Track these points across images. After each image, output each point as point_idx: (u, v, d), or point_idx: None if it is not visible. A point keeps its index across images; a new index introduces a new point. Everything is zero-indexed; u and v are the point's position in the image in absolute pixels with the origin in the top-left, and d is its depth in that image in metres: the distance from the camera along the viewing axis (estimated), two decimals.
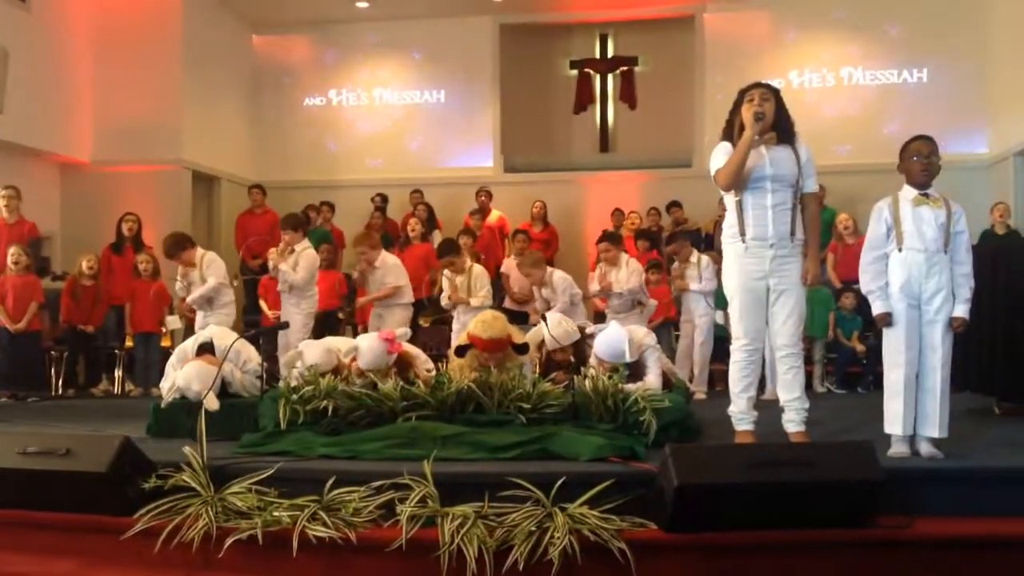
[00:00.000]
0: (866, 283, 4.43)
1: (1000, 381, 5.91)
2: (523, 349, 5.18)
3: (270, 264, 7.48)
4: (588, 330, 5.61)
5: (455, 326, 7.44)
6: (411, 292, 7.85)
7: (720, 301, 7.75)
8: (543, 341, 5.46)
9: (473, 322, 5.24)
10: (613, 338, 5.16)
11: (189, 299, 7.47)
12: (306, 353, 5.06)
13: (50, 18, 10.48)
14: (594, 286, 7.59)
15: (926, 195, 4.34)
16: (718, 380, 8.34)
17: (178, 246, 7.46)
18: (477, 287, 7.41)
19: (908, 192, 4.38)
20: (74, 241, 10.49)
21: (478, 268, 7.50)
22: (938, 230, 4.27)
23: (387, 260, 7.78)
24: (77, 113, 10.94)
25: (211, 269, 7.45)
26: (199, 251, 7.57)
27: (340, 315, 8.73)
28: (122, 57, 11.00)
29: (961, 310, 4.27)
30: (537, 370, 5.38)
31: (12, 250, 8.03)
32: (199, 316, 7.50)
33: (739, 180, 4.43)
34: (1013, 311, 5.76)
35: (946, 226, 4.29)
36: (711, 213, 10.49)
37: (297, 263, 7.33)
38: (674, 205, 10.92)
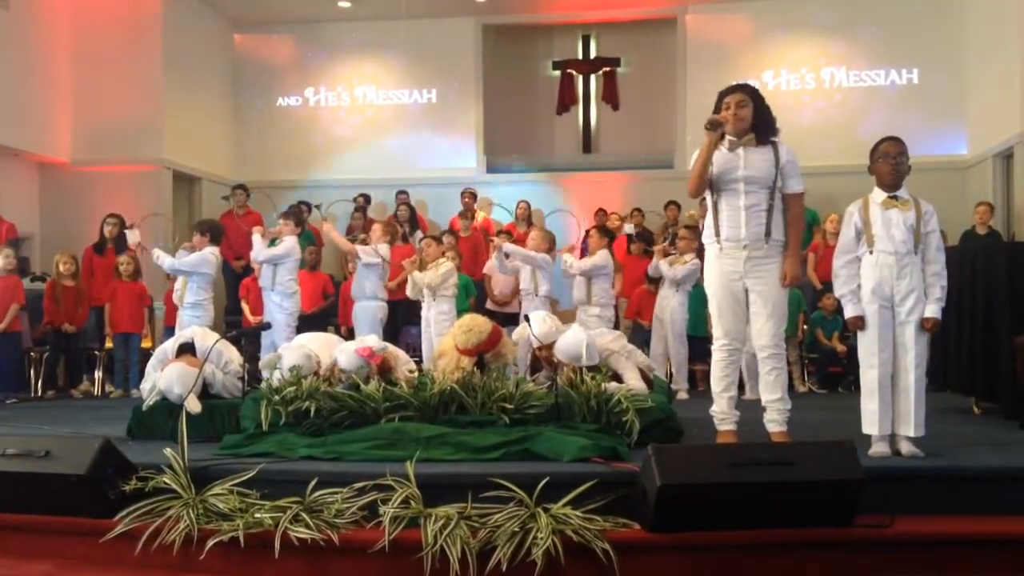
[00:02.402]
0: (838, 287, 4.48)
1: (979, 381, 5.96)
2: None
3: (253, 231, 7.63)
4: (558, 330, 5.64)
5: (422, 324, 7.42)
6: (384, 290, 7.96)
7: (692, 303, 7.85)
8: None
9: (457, 335, 5.27)
10: (571, 341, 5.15)
11: (157, 250, 7.58)
12: (285, 356, 5.04)
13: (29, 16, 10.39)
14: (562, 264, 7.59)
15: (895, 197, 4.37)
16: (700, 380, 8.39)
17: (198, 226, 7.62)
18: (436, 274, 7.31)
19: (878, 195, 4.42)
20: (53, 241, 10.41)
21: (448, 265, 7.40)
22: (907, 232, 4.31)
23: (380, 249, 7.83)
24: (56, 112, 10.84)
25: (191, 255, 7.39)
26: (209, 247, 7.44)
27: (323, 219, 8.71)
28: (102, 56, 10.92)
29: (932, 310, 4.31)
30: (520, 371, 5.40)
31: (4, 251, 8.00)
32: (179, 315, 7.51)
33: (702, 186, 4.48)
34: (992, 311, 5.81)
35: (916, 227, 4.32)
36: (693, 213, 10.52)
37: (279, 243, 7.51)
38: (671, 204, 10.90)
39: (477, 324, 5.28)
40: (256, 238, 7.50)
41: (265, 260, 7.45)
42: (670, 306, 7.77)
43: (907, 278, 4.30)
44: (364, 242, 7.98)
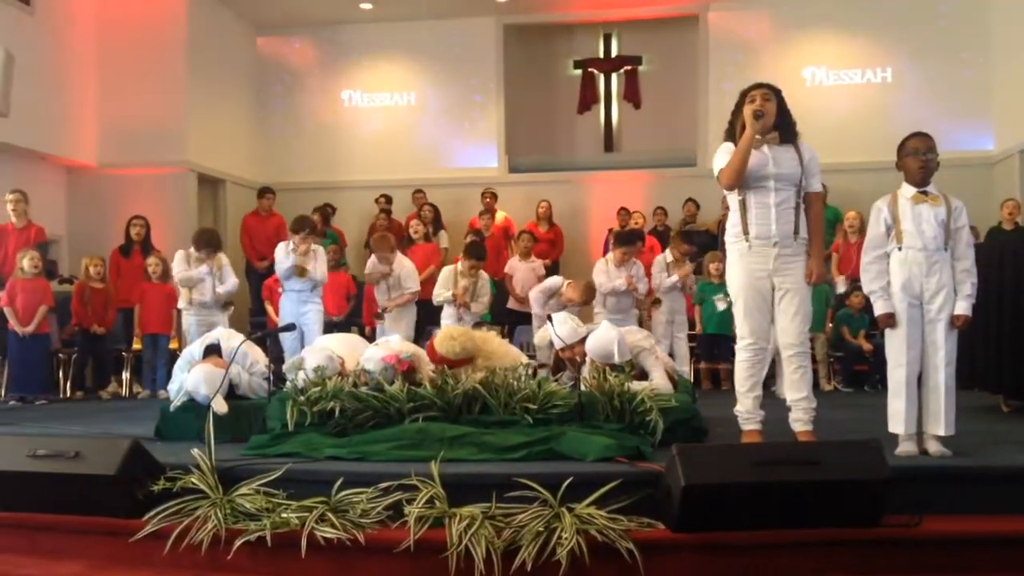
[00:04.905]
0: (867, 283, 4.42)
1: (1007, 379, 5.90)
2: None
3: (295, 264, 7.39)
4: (581, 330, 5.64)
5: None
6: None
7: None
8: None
9: (440, 334, 5.21)
10: (603, 339, 5.19)
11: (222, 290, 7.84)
12: (308, 358, 5.07)
13: (53, 20, 10.52)
14: (619, 282, 7.37)
15: (925, 193, 4.33)
16: (724, 379, 8.36)
17: (206, 244, 7.81)
18: (480, 294, 7.45)
19: (907, 190, 4.38)
20: (80, 244, 10.55)
21: (484, 275, 7.56)
22: (938, 227, 4.26)
23: (404, 263, 7.90)
24: (82, 116, 10.97)
25: (230, 276, 7.86)
26: (221, 257, 7.86)
27: (378, 319, 8.30)
28: (126, 59, 11.04)
29: (962, 307, 4.26)
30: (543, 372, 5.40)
31: (30, 254, 8.07)
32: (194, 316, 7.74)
33: (741, 179, 4.43)
34: (1019, 308, 5.75)
35: (946, 223, 4.28)
36: (715, 212, 10.50)
37: (316, 262, 7.51)
38: (689, 201, 10.91)
39: (463, 339, 5.11)
40: (310, 269, 7.38)
41: (319, 283, 7.53)
42: (680, 308, 7.83)
43: (937, 275, 4.25)
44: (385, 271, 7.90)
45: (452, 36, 12.39)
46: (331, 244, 9.51)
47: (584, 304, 7.20)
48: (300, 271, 7.34)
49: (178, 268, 7.80)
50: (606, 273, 7.43)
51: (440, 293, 7.48)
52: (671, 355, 7.51)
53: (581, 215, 11.92)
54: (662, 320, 7.82)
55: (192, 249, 7.83)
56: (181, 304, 7.85)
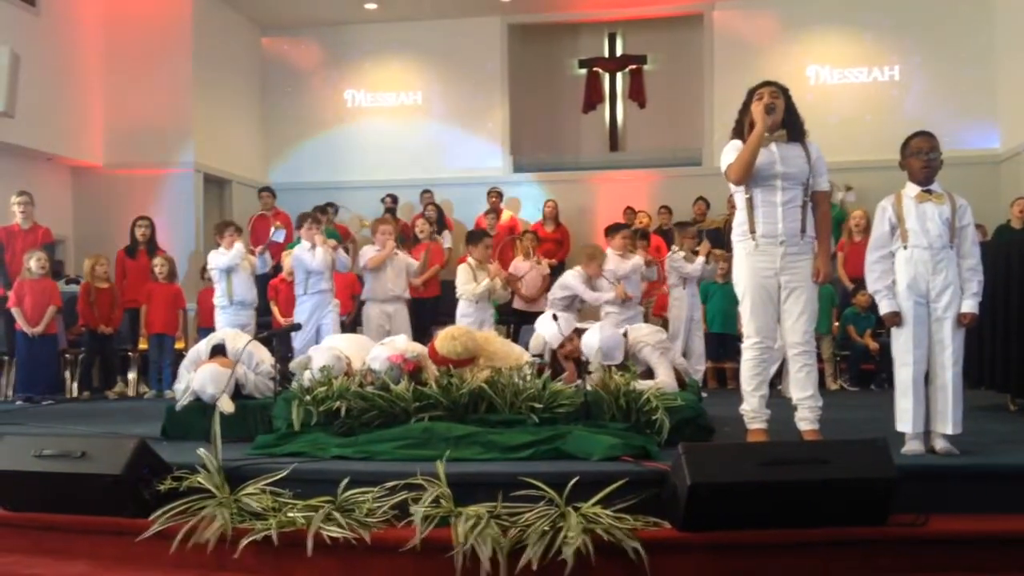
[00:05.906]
0: (872, 282, 4.41)
1: (1015, 377, 5.88)
2: None
3: (324, 249, 7.43)
4: (574, 321, 5.68)
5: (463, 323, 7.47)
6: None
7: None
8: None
9: (441, 335, 5.15)
10: (588, 338, 5.29)
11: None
12: (315, 357, 5.07)
13: (59, 21, 10.54)
14: (635, 260, 7.45)
15: (929, 191, 4.32)
16: (731, 378, 8.35)
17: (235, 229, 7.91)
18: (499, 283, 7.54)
19: (911, 189, 4.37)
20: (86, 244, 10.58)
21: (493, 266, 7.64)
22: (943, 226, 4.25)
23: (401, 253, 7.93)
24: (88, 116, 10.99)
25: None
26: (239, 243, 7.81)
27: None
28: (132, 60, 11.07)
29: (969, 305, 4.25)
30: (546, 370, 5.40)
31: (37, 255, 8.08)
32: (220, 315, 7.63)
33: (750, 175, 4.42)
34: None
35: (951, 221, 4.27)
36: (720, 211, 10.48)
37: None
38: (700, 200, 10.91)
39: (464, 339, 5.03)
40: (341, 252, 7.62)
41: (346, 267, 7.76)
42: (696, 304, 7.82)
43: (943, 273, 4.24)
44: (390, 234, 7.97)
45: (457, 36, 12.38)
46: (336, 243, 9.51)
47: (601, 267, 7.24)
48: (335, 249, 7.46)
49: (219, 260, 7.57)
50: (617, 261, 7.47)
51: (473, 288, 7.40)
52: (685, 354, 7.52)
53: (587, 214, 11.91)
54: (682, 316, 7.81)
55: (218, 238, 7.79)
56: (219, 301, 7.61)
